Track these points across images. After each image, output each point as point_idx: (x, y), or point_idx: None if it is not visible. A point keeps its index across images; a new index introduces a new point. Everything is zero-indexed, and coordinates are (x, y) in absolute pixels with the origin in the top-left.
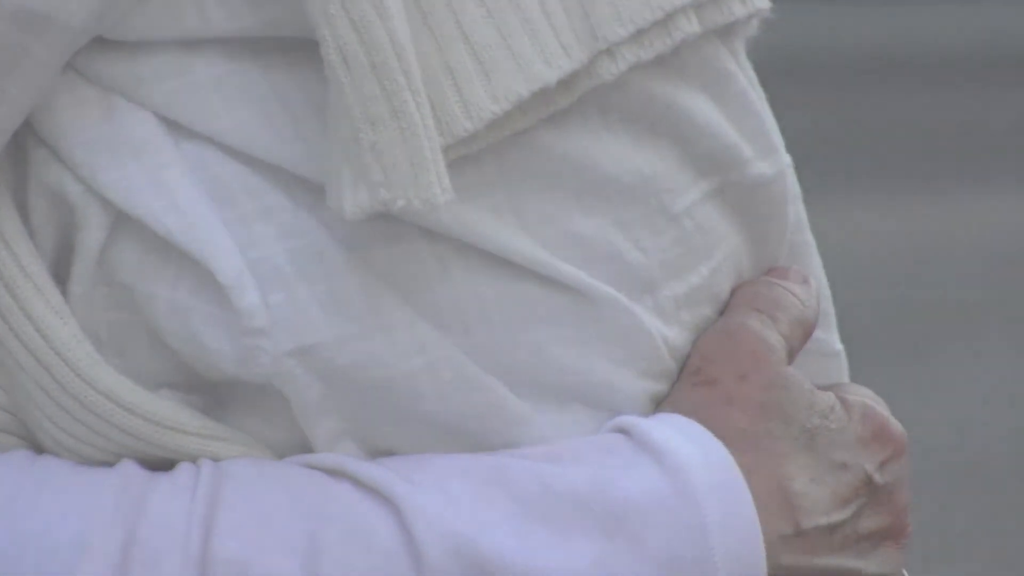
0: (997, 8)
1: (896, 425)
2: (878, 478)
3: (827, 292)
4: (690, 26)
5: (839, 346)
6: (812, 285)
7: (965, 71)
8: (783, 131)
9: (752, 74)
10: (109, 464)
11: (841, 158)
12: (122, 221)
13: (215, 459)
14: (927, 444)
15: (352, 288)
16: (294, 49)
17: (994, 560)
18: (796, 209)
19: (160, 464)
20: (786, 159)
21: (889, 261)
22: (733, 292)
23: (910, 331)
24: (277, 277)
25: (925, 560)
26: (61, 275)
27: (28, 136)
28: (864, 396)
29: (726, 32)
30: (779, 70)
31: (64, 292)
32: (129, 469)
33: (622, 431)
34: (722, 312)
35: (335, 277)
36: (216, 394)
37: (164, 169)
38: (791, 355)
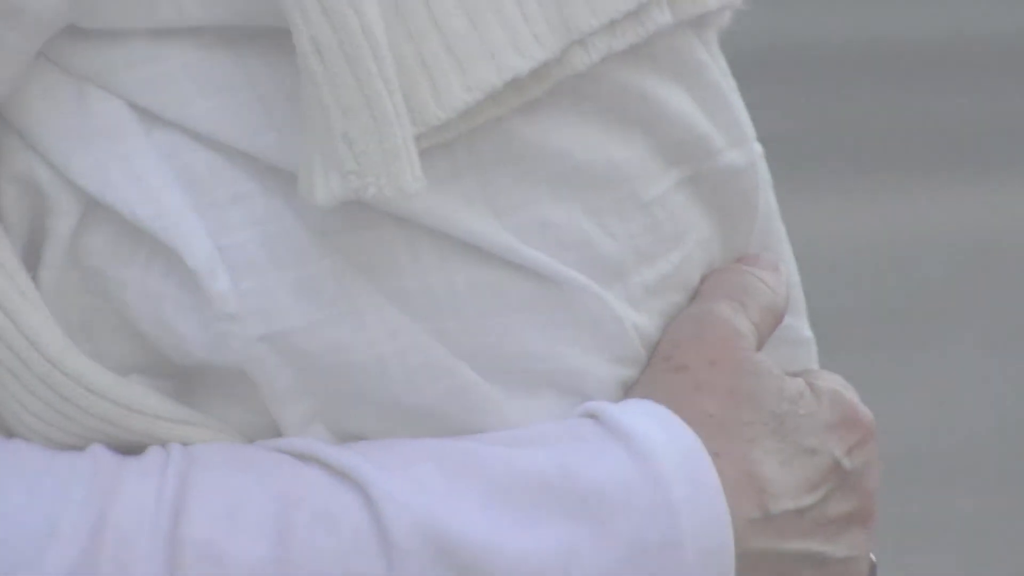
0: (970, 1)
1: (865, 410)
2: (846, 463)
3: (797, 279)
4: (663, 17)
5: (809, 333)
6: (782, 272)
7: (939, 64)
8: (755, 121)
9: (724, 64)
10: (78, 448)
11: (813, 148)
12: (93, 207)
13: (185, 443)
14: (896, 433)
15: (323, 274)
16: (267, 38)
17: (962, 549)
18: (767, 198)
19: (130, 448)
20: (757, 149)
21: (860, 251)
22: (703, 279)
23: (880, 321)
24: (248, 263)
25: (893, 547)
26: (31, 260)
27: None
28: (833, 382)
29: (699, 23)
30: (751, 61)
31: (34, 277)
32: (98, 453)
33: (591, 416)
34: (692, 299)
35: (306, 263)
36: (186, 379)
37: (135, 156)
38: (761, 342)
